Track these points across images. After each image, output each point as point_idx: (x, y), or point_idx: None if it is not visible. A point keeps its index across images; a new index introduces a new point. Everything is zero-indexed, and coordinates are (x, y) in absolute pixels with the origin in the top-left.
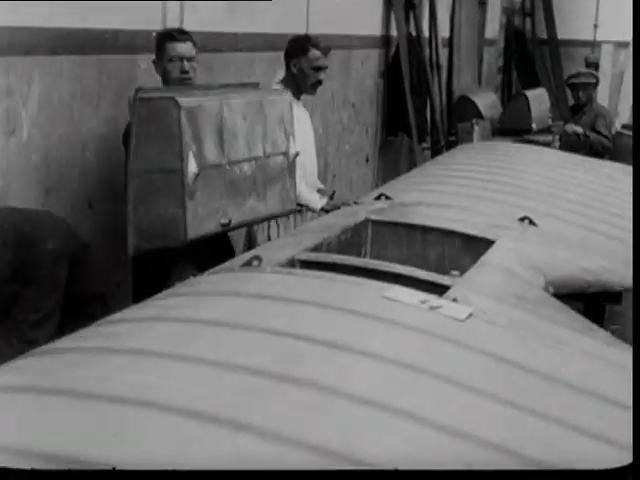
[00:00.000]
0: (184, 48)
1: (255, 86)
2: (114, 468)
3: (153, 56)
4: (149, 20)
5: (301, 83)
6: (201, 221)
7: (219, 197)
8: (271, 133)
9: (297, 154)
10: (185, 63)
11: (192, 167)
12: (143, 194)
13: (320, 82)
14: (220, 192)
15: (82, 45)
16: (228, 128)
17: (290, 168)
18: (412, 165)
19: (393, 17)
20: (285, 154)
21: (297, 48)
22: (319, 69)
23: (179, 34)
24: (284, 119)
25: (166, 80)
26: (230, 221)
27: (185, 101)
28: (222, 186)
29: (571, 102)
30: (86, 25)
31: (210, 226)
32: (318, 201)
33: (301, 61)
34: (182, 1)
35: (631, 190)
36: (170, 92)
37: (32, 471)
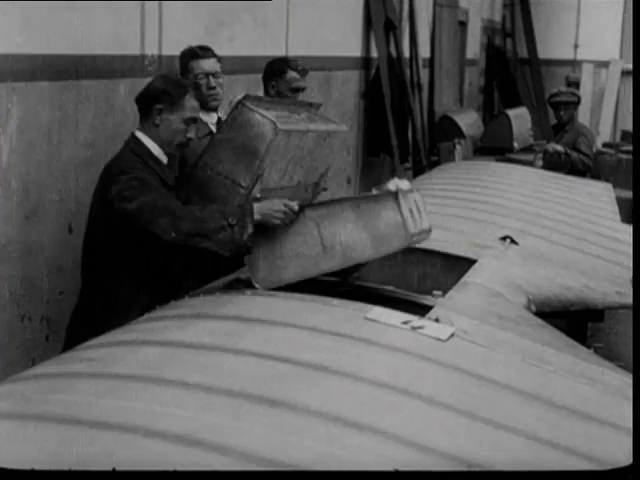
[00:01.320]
0: (209, 64)
1: (318, 107)
2: (114, 469)
3: (134, 79)
4: (127, 44)
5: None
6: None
7: None
8: (320, 165)
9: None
10: (211, 79)
11: (256, 190)
12: (202, 188)
13: (211, 88)
14: None
15: (61, 71)
16: (297, 157)
17: (315, 187)
18: None
19: (373, 38)
20: (317, 184)
21: (274, 70)
22: (297, 90)
23: (202, 51)
24: (336, 150)
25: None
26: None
27: (282, 127)
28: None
29: (553, 121)
30: (65, 51)
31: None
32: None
33: (278, 83)
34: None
35: (613, 208)
36: (273, 108)
37: (32, 471)
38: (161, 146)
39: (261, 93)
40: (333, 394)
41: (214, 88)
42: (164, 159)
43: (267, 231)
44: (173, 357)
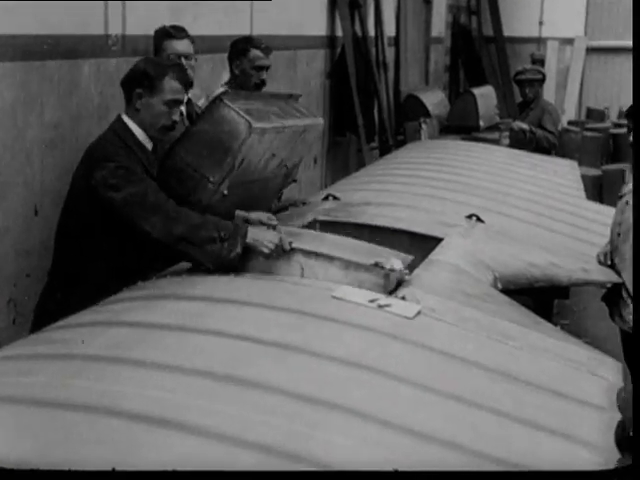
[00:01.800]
0: (182, 45)
1: (297, 98)
2: (114, 468)
3: (98, 59)
4: (91, 24)
5: (244, 84)
6: None
7: (224, 210)
8: (294, 156)
9: (294, 174)
10: (183, 61)
11: (224, 187)
12: (171, 177)
13: (263, 82)
14: (227, 206)
15: (24, 51)
16: (272, 152)
17: (285, 179)
18: (361, 165)
19: (338, 17)
20: (290, 169)
21: (238, 49)
22: (260, 68)
23: (176, 31)
24: (311, 143)
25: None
26: None
27: (257, 125)
28: (232, 199)
29: (518, 99)
30: (28, 31)
31: None
32: None
33: (242, 62)
34: (129, 1)
35: (578, 186)
36: (251, 104)
37: (32, 471)
38: (145, 130)
39: (226, 72)
40: (300, 373)
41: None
42: (149, 145)
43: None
44: (140, 338)
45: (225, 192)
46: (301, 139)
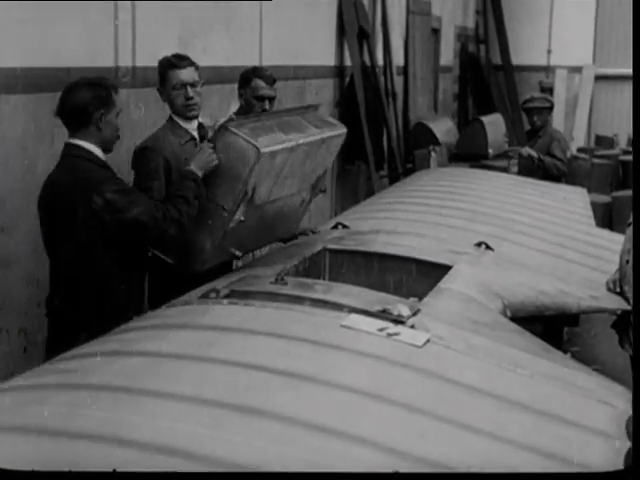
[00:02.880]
0: (186, 74)
1: (315, 109)
2: (114, 470)
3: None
4: (101, 56)
5: (174, 109)
6: (220, 253)
7: (246, 233)
8: (318, 168)
9: (321, 185)
10: (189, 90)
11: (239, 213)
12: (198, 216)
13: (265, 112)
14: (248, 228)
15: (36, 83)
16: (287, 171)
17: (312, 191)
18: (370, 193)
19: (347, 46)
20: (316, 181)
21: (243, 79)
22: (262, 99)
23: (179, 60)
24: (334, 152)
25: (173, 108)
26: (241, 254)
27: (266, 150)
28: (252, 222)
29: (527, 127)
30: (39, 64)
31: (224, 256)
32: None
33: (246, 91)
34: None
35: (588, 213)
36: (261, 127)
37: (32, 472)
38: (104, 146)
39: (236, 102)
40: (310, 402)
41: (192, 98)
42: (104, 158)
43: None
44: (150, 367)
45: (242, 218)
46: (322, 150)
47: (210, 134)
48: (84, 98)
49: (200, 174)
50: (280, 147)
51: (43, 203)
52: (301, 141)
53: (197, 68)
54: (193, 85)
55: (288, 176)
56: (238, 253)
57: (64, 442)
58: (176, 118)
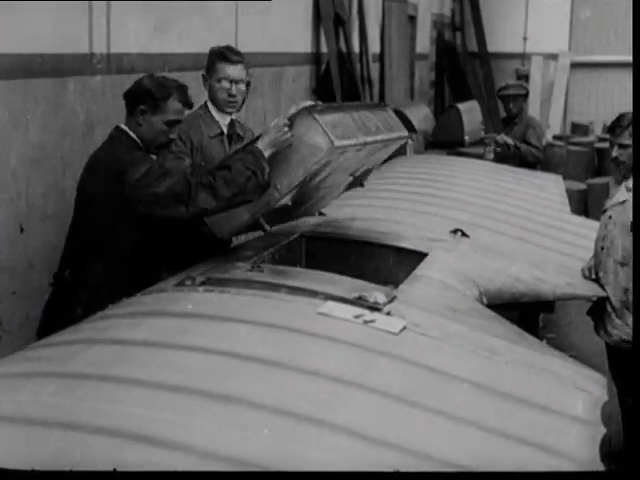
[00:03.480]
0: (234, 70)
1: (386, 107)
2: (115, 469)
3: (83, 77)
4: (75, 42)
5: (213, 99)
6: (252, 224)
7: (280, 210)
8: (369, 163)
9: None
10: (233, 86)
11: (288, 198)
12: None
13: (232, 95)
14: (283, 206)
15: (9, 70)
16: (345, 164)
17: (348, 187)
18: None
19: (323, 33)
20: (361, 175)
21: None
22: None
23: (231, 54)
24: (389, 152)
25: (212, 98)
26: (269, 228)
27: (339, 143)
28: (289, 202)
29: (503, 114)
30: (13, 50)
31: (254, 228)
32: None
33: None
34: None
35: (563, 200)
36: (339, 119)
37: (32, 472)
38: (143, 143)
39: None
40: (286, 389)
41: (234, 96)
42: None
43: None
44: (124, 355)
45: (289, 203)
46: (382, 149)
47: (291, 111)
48: (137, 87)
49: (268, 152)
50: (351, 143)
51: (81, 178)
52: (370, 139)
53: (246, 67)
54: (238, 82)
55: (343, 168)
56: (268, 227)
57: (37, 430)
58: (211, 108)
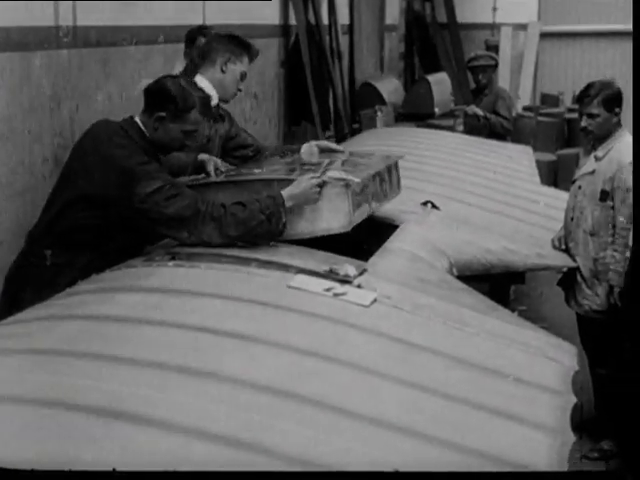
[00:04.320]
0: (247, 67)
1: (397, 165)
2: (114, 469)
3: (49, 51)
4: (41, 16)
5: (193, 74)
6: None
7: None
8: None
9: None
10: (241, 82)
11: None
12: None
13: (240, 90)
14: None
15: None
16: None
17: None
18: None
19: (291, 5)
20: None
21: (188, 38)
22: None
23: (254, 54)
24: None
25: (208, 76)
26: None
27: (353, 224)
28: None
29: (472, 85)
30: None
31: None
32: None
33: (191, 50)
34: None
35: (533, 171)
36: (365, 191)
37: (32, 472)
38: (155, 146)
39: (180, 63)
40: (256, 363)
41: (240, 90)
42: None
43: None
44: (95, 331)
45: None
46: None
47: (326, 163)
48: (161, 92)
49: (290, 203)
50: (363, 218)
51: (76, 148)
52: (375, 206)
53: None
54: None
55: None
56: None
57: (8, 407)
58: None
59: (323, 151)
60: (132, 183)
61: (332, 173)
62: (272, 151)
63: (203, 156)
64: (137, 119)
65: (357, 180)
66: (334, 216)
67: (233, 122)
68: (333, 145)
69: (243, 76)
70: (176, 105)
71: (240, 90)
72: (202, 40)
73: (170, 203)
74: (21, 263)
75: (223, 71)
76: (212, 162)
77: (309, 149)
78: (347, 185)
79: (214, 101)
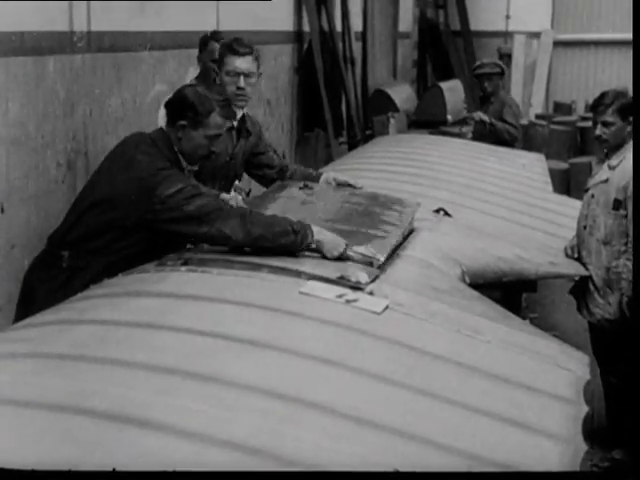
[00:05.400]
0: (242, 63)
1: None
2: (114, 469)
3: (63, 56)
4: (55, 21)
5: (207, 79)
6: None
7: None
8: None
9: None
10: (242, 79)
11: None
12: None
13: (240, 89)
14: None
15: None
16: None
17: None
18: (329, 160)
19: (305, 12)
20: None
21: (200, 42)
22: (236, 74)
23: (239, 46)
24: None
25: (223, 92)
26: None
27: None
28: None
29: (480, 93)
30: None
31: None
32: (234, 198)
33: (203, 55)
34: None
35: (545, 179)
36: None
37: (32, 471)
38: (182, 156)
39: (193, 68)
40: (267, 369)
41: (242, 89)
42: (184, 164)
43: None
44: (105, 336)
45: None
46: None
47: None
48: (179, 100)
49: (319, 237)
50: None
51: (108, 157)
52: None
53: (257, 58)
54: (248, 75)
55: None
56: None
57: (18, 411)
58: None
59: (340, 185)
60: (152, 186)
61: (357, 248)
62: (293, 173)
63: (225, 196)
64: (167, 130)
65: (381, 259)
66: (355, 275)
67: (261, 137)
68: (351, 180)
69: (232, 73)
70: (195, 111)
71: (240, 88)
72: (215, 45)
73: (191, 201)
74: (38, 263)
75: (219, 73)
76: (234, 200)
77: (327, 179)
78: (371, 263)
79: (238, 113)
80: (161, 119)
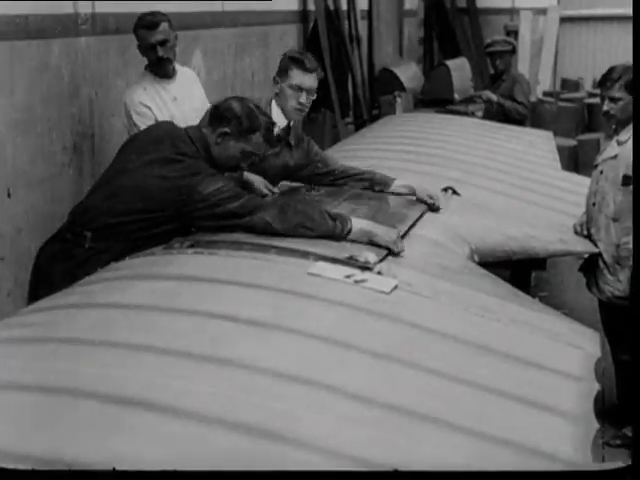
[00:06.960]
0: (309, 79)
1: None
2: (114, 468)
3: (68, 39)
4: (60, 3)
5: (281, 103)
6: None
7: None
8: None
9: None
10: (304, 95)
11: None
12: None
13: (301, 104)
14: None
15: None
16: None
17: None
18: (336, 140)
19: None
20: None
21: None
22: (300, 89)
23: (309, 62)
24: None
25: (280, 102)
26: None
27: None
28: None
29: (491, 71)
30: None
31: None
32: (258, 181)
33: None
34: None
35: (554, 156)
36: None
37: (32, 471)
38: (214, 160)
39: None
40: (277, 350)
41: (303, 105)
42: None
43: None
44: (115, 319)
45: None
46: None
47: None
48: (227, 110)
49: (358, 235)
50: None
51: (137, 146)
52: None
53: (319, 75)
54: (309, 92)
55: None
56: None
57: (31, 396)
58: (274, 108)
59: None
60: (194, 184)
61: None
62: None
63: (249, 176)
64: (205, 130)
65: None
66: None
67: (310, 151)
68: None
69: (295, 87)
70: (240, 124)
71: (302, 104)
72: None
73: (232, 200)
74: (57, 238)
75: (280, 88)
76: (261, 183)
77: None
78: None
79: (277, 126)
80: (192, 111)
